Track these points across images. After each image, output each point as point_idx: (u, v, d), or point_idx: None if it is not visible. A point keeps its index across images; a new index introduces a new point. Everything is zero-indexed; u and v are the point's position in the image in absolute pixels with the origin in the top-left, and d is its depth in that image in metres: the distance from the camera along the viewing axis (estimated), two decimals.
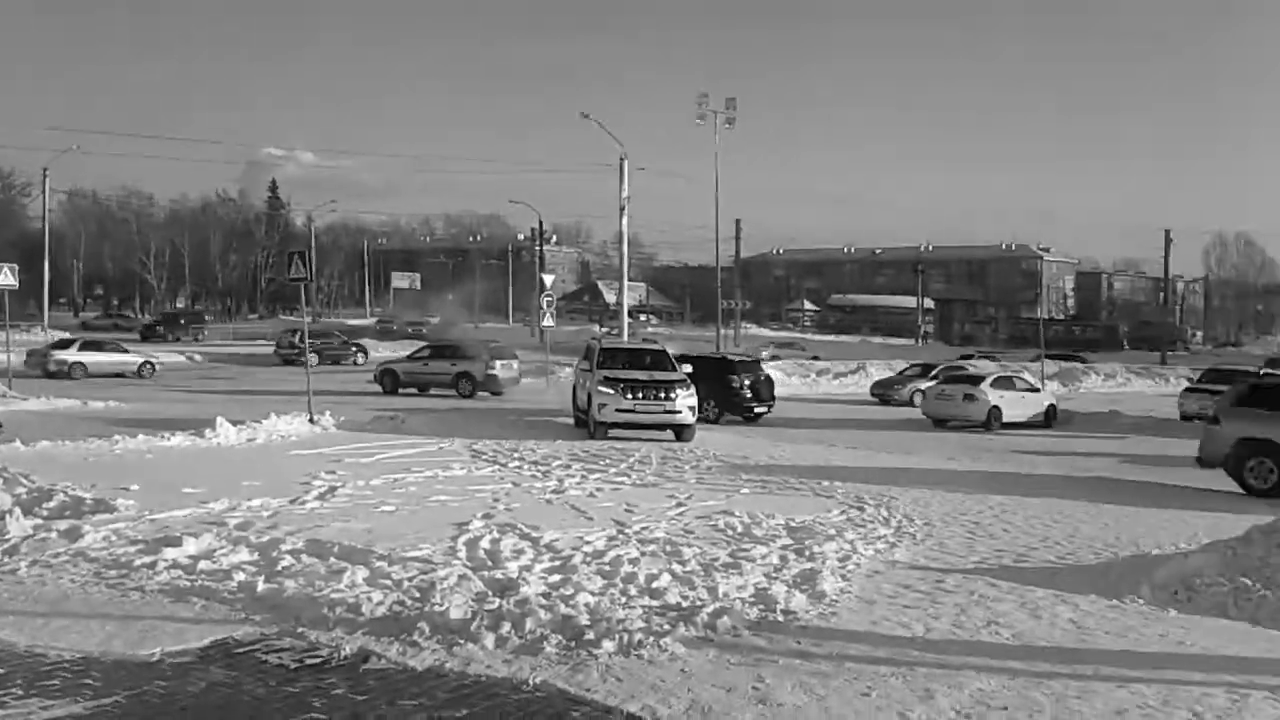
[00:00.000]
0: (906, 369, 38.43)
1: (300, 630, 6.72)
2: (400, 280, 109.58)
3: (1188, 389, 32.53)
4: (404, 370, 31.55)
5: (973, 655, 6.74)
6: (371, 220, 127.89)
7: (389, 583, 7.72)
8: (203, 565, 8.12)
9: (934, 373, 34.28)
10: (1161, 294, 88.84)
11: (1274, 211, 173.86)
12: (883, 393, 34.83)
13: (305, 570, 8.05)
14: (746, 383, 25.47)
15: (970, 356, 51.58)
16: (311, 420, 18.66)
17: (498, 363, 30.95)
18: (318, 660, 6.24)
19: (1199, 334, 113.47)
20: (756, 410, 25.63)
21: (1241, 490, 15.61)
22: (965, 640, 7.12)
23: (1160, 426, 26.65)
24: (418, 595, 7.42)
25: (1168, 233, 72.47)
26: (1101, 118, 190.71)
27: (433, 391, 30.46)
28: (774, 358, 49.99)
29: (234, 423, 16.86)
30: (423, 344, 35.76)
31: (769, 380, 26.93)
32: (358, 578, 7.80)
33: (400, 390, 30.54)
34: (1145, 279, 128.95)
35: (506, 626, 6.78)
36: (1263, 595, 8.22)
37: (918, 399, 31.99)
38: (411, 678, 5.99)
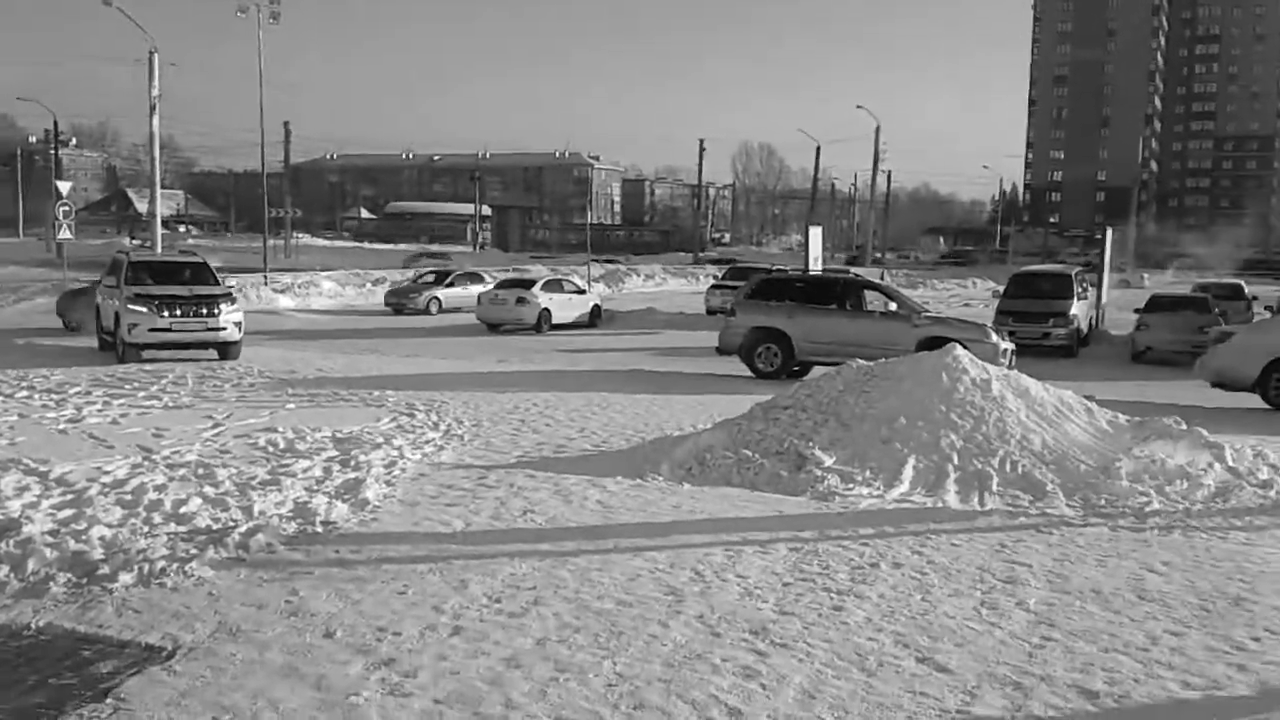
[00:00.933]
0: (421, 276, 36.18)
1: None
2: None
3: (713, 286, 35.71)
4: None
5: (508, 543, 7.07)
6: None
7: None
8: None
9: (449, 279, 33.47)
10: (696, 200, 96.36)
11: (790, 123, 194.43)
12: (397, 301, 32.44)
13: None
14: None
15: (611, 261, 52.95)
16: None
17: None
18: None
19: (728, 235, 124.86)
20: None
21: (753, 374, 17.52)
22: (502, 530, 7.44)
23: (689, 321, 29.11)
24: None
25: (701, 142, 78.71)
26: (641, 36, 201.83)
27: None
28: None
29: None
30: None
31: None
32: None
33: None
34: (683, 185, 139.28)
35: (4, 570, 6.15)
36: (760, 463, 9.33)
37: (434, 307, 31.91)
38: None
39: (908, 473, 8.97)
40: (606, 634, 5.42)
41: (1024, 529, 7.66)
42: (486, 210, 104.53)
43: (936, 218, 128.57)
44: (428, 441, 10.74)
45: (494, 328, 26.94)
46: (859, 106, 65.52)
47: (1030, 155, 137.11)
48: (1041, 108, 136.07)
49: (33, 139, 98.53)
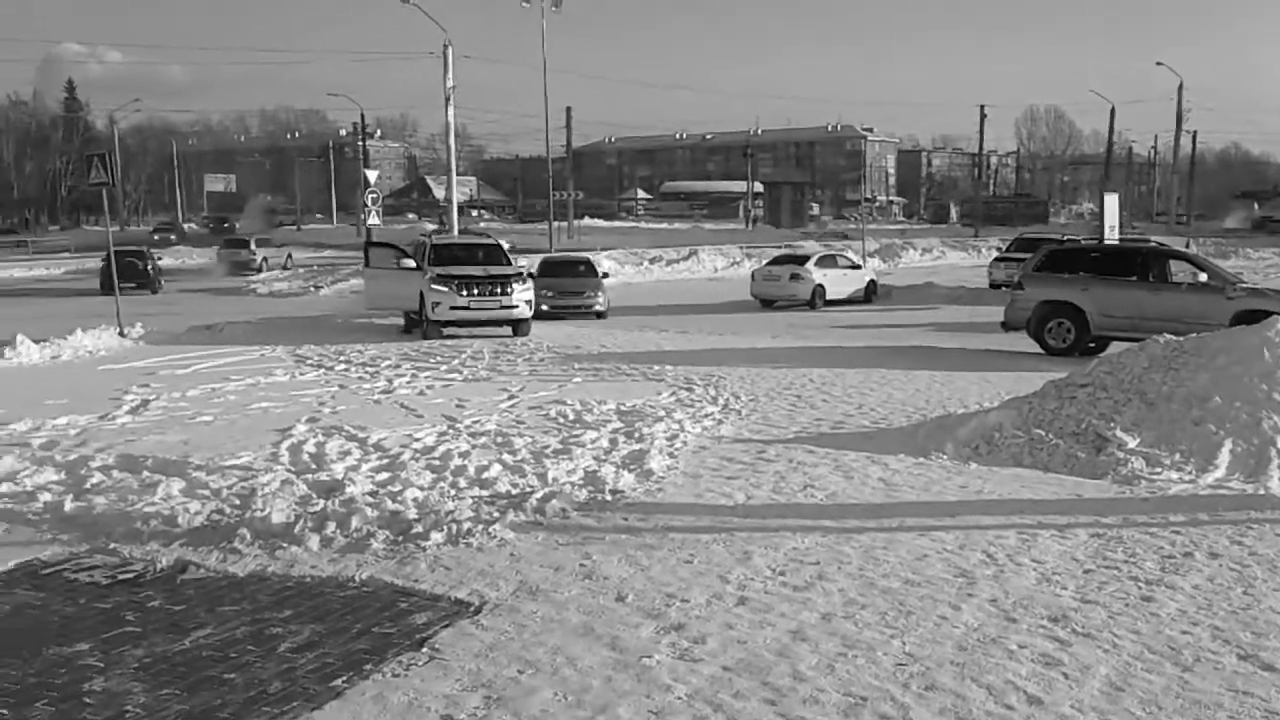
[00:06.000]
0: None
1: (112, 546, 6.51)
2: (214, 182, 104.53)
3: (997, 258, 34.09)
4: None
5: (789, 517, 7.07)
6: (180, 120, 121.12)
7: (207, 492, 7.52)
8: (4, 488, 7.72)
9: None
10: (976, 169, 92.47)
11: (1082, 85, 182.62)
12: None
13: (116, 486, 7.75)
14: None
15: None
16: (121, 333, 17.76)
17: None
18: (131, 575, 6.07)
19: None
20: None
21: (1041, 350, 16.63)
22: (783, 504, 7.45)
23: (971, 295, 27.97)
24: (238, 503, 7.26)
25: (982, 108, 75.30)
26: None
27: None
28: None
29: (36, 340, 15.88)
30: None
31: None
32: (173, 490, 7.57)
33: None
34: (962, 154, 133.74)
35: (332, 526, 6.73)
36: (1054, 444, 8.86)
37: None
38: (232, 584, 5.90)
39: (1223, 457, 8.25)
40: (894, 613, 5.32)
41: None
42: (759, 187, 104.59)
43: (1248, 181, 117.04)
44: (707, 415, 10.90)
45: (767, 304, 26.94)
46: (1159, 63, 60.53)
47: None
48: None
49: (342, 132, 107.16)
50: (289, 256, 46.63)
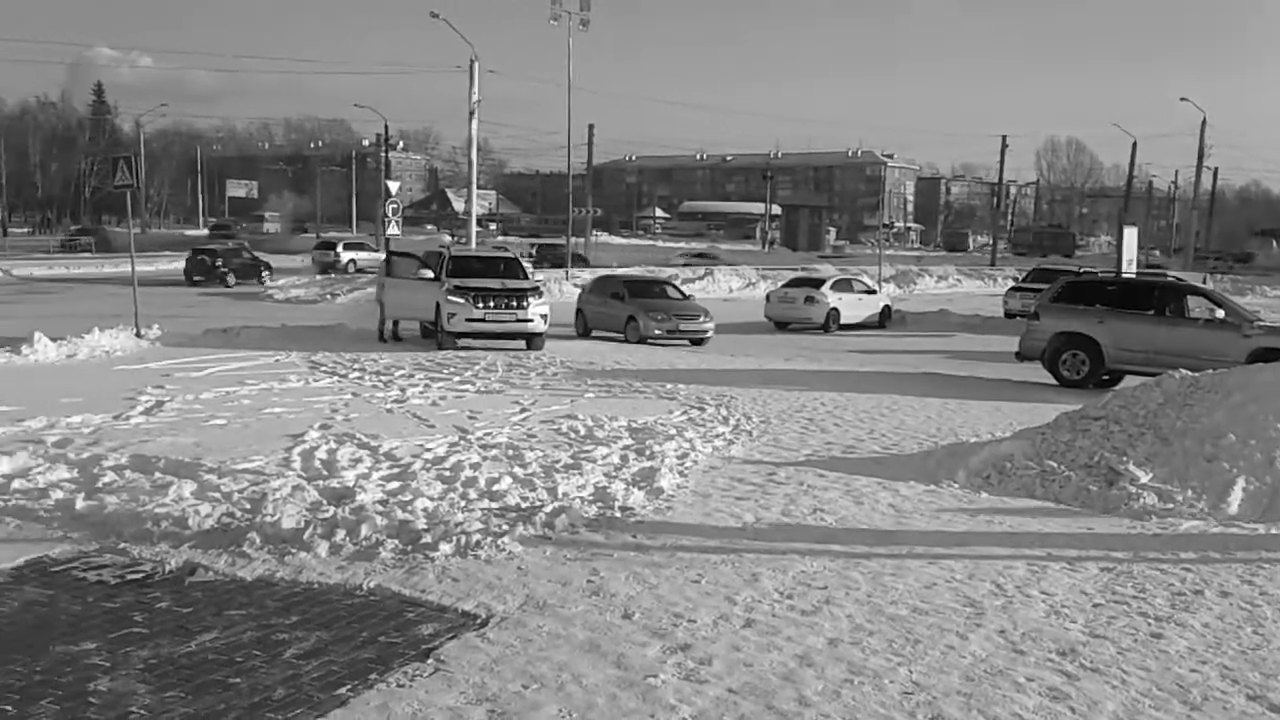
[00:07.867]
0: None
1: (122, 546, 6.53)
2: (236, 188, 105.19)
3: (1013, 288, 34.10)
4: None
5: (798, 541, 7.05)
6: (206, 125, 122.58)
7: (218, 495, 7.53)
8: (17, 484, 7.74)
9: None
10: (995, 199, 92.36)
11: (1104, 117, 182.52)
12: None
13: (128, 486, 7.78)
14: None
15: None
16: (138, 334, 17.84)
17: None
18: (140, 575, 6.09)
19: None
20: None
21: (1055, 382, 16.58)
22: (792, 526, 7.43)
23: (986, 324, 27.96)
24: (248, 507, 7.27)
25: (1004, 138, 75.27)
26: (937, 27, 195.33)
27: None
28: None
29: (53, 338, 15.97)
30: None
31: None
32: (185, 491, 7.58)
33: None
34: (981, 183, 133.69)
35: (341, 534, 6.74)
36: (1066, 476, 8.82)
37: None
38: (240, 588, 5.91)
39: (1236, 495, 8.20)
40: (901, 640, 5.29)
41: None
42: (776, 209, 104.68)
43: (1268, 218, 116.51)
44: (718, 435, 10.89)
45: (781, 326, 26.96)
46: (1183, 99, 60.36)
47: None
48: None
49: (365, 142, 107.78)
50: None
